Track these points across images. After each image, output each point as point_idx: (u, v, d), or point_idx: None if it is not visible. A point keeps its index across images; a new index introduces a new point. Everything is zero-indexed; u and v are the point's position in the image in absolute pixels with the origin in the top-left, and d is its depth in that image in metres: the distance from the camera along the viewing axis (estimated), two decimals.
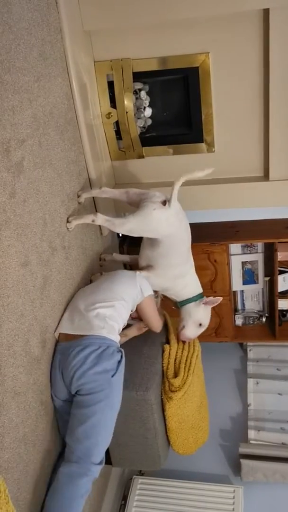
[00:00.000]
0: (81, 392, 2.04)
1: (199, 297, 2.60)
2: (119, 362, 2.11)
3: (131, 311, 2.39)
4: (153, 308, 2.47)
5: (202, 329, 2.61)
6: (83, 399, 2.02)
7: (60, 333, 2.21)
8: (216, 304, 2.56)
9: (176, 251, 2.46)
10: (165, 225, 2.34)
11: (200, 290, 2.63)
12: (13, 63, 1.96)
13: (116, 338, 2.19)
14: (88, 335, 2.12)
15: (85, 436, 1.97)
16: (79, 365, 2.05)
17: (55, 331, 2.22)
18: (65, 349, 2.13)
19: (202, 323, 2.59)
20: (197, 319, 2.57)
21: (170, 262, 2.50)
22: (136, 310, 2.43)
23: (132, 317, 2.55)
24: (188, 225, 2.51)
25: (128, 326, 2.50)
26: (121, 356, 2.14)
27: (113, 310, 2.22)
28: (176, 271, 2.54)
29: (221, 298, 2.57)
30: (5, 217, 1.87)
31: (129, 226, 2.36)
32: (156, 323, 2.53)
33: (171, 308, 2.71)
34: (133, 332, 2.54)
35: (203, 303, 2.57)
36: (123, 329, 2.36)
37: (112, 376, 2.06)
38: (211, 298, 2.56)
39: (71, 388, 2.08)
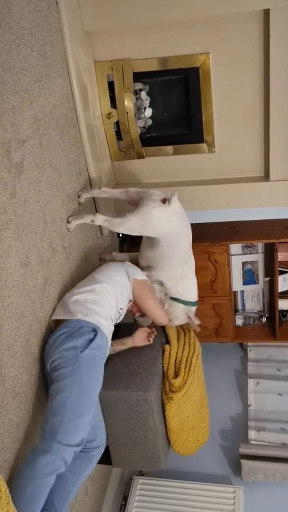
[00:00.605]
0: (52, 369, 2.02)
1: (191, 304, 2.63)
2: (91, 340, 2.05)
3: (130, 300, 2.37)
4: (148, 295, 2.42)
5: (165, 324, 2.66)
6: (53, 376, 2.00)
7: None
8: (193, 327, 2.66)
9: (176, 251, 2.46)
10: (165, 223, 2.34)
11: (196, 299, 2.65)
12: (14, 64, 1.96)
13: (96, 319, 2.13)
14: (65, 319, 2.13)
15: (51, 413, 1.91)
16: (50, 345, 2.06)
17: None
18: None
19: (174, 323, 2.63)
20: (174, 318, 2.61)
21: (170, 262, 2.50)
22: (134, 302, 2.41)
23: (133, 313, 2.52)
24: (189, 225, 2.50)
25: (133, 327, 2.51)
26: (95, 336, 2.07)
27: (93, 293, 2.21)
28: (177, 272, 2.54)
29: (199, 328, 2.66)
30: (5, 217, 1.87)
31: (128, 225, 2.36)
32: (157, 312, 2.48)
33: None
34: (130, 342, 2.51)
35: (188, 316, 2.61)
36: (121, 337, 2.39)
37: (81, 352, 2.00)
38: (196, 318, 2.62)
39: (47, 370, 2.07)
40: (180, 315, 2.60)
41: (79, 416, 1.92)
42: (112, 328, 2.26)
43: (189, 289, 2.62)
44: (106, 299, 2.22)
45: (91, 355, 2.02)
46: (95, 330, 2.09)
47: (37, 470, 1.79)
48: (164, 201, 2.34)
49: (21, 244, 1.99)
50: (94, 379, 2.04)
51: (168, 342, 2.64)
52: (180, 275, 2.57)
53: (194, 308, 2.65)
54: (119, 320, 2.36)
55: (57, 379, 1.96)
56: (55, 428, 1.87)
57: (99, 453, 2.21)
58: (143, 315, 2.54)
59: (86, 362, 2.00)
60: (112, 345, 2.35)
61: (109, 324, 2.20)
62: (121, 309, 2.31)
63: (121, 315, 2.34)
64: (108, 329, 2.19)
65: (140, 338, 2.51)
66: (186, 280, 2.60)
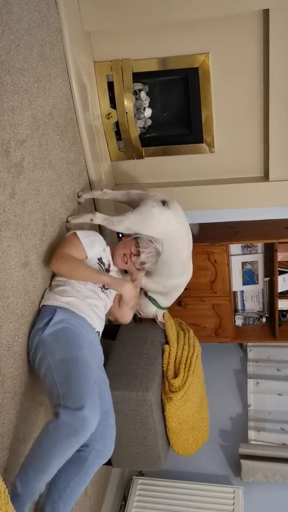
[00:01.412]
0: (32, 362, 2.02)
1: (162, 309, 2.70)
2: (50, 319, 2.02)
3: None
4: (65, 244, 2.22)
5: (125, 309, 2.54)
6: (35, 367, 2.01)
7: None
8: (160, 326, 2.73)
9: (176, 257, 2.45)
10: (164, 224, 2.34)
11: (168, 306, 2.74)
12: (13, 64, 1.96)
13: (56, 299, 2.10)
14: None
15: (50, 394, 1.91)
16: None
17: None
18: None
19: (136, 310, 2.66)
20: (142, 310, 2.71)
21: (170, 271, 2.50)
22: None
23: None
24: (190, 231, 2.51)
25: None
26: (54, 314, 2.05)
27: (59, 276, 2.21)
28: (174, 282, 2.55)
29: (163, 328, 2.70)
30: (5, 217, 1.87)
31: (127, 223, 2.36)
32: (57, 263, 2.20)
33: (173, 309, 2.72)
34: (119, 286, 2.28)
35: (158, 320, 2.69)
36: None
37: (42, 333, 1.99)
38: (163, 322, 2.70)
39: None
40: (149, 314, 2.70)
41: (72, 379, 1.88)
42: (94, 287, 2.21)
43: (170, 299, 2.66)
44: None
45: (52, 331, 2.00)
46: (55, 310, 2.07)
47: (46, 435, 1.79)
48: (164, 203, 2.35)
49: (21, 244, 1.99)
50: (67, 346, 1.98)
51: (167, 342, 2.65)
52: (175, 285, 2.59)
53: (162, 311, 2.74)
54: (111, 271, 2.36)
55: (38, 368, 1.96)
56: (57, 400, 1.84)
57: (93, 460, 2.03)
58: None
59: (50, 338, 1.98)
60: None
61: (80, 292, 2.15)
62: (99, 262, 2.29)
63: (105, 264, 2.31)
64: (79, 299, 2.13)
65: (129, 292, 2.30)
66: (177, 292, 2.63)
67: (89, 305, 2.16)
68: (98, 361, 2.18)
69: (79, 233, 2.27)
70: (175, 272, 2.52)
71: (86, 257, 2.26)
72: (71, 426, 1.75)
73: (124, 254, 2.34)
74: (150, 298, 2.66)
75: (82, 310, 2.12)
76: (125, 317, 2.48)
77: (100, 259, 2.31)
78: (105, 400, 2.10)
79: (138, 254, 2.30)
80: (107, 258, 2.36)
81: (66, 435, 1.76)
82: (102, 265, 2.30)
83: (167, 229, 2.36)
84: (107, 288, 2.28)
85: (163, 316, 2.73)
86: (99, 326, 2.22)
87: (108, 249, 2.39)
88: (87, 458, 1.99)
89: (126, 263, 2.35)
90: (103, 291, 2.27)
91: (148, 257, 2.31)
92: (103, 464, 2.64)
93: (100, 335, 2.26)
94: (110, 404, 2.15)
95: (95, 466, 2.03)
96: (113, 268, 2.39)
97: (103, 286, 2.26)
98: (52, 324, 2.02)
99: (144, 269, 2.40)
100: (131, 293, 2.27)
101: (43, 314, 2.09)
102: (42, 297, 2.16)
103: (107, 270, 2.33)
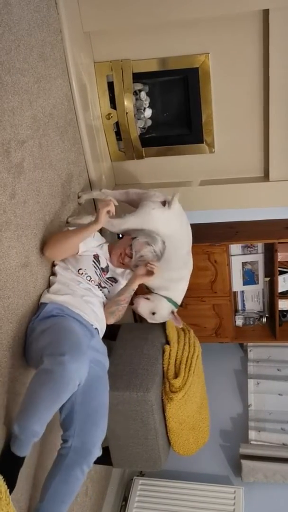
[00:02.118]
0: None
1: (175, 305, 2.59)
2: (38, 315, 2.04)
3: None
4: (56, 236, 2.22)
5: (146, 317, 2.50)
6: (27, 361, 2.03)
7: None
8: (176, 324, 2.56)
9: (176, 253, 2.46)
10: (165, 225, 2.34)
11: (179, 303, 2.60)
12: (13, 64, 1.96)
13: (45, 297, 2.10)
14: None
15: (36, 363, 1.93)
16: None
17: None
18: None
19: (155, 318, 2.49)
20: (159, 313, 2.48)
21: (168, 265, 2.50)
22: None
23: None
24: (190, 229, 2.50)
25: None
26: (45, 306, 2.07)
27: (54, 276, 2.22)
28: (174, 275, 2.53)
29: (180, 325, 2.55)
30: (5, 218, 1.87)
31: (127, 225, 2.36)
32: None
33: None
34: (133, 280, 2.29)
35: (173, 313, 2.52)
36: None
37: (33, 323, 2.00)
38: (179, 317, 2.54)
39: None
40: (165, 312, 2.52)
41: (57, 336, 1.90)
42: (89, 285, 2.20)
43: (179, 292, 2.62)
44: (62, 271, 2.20)
45: (40, 322, 2.00)
46: (47, 304, 2.09)
47: (32, 380, 1.82)
48: (164, 203, 2.34)
49: (21, 245, 1.99)
50: (53, 327, 1.97)
51: (168, 342, 2.64)
52: (176, 278, 2.57)
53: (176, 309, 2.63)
54: (110, 270, 2.33)
55: (29, 356, 1.97)
56: (40, 355, 1.85)
57: (72, 458, 1.98)
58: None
59: (38, 327, 1.98)
60: (121, 298, 2.26)
61: (76, 291, 2.14)
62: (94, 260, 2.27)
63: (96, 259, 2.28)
64: (74, 296, 2.12)
65: (141, 271, 2.30)
66: (181, 284, 2.59)
67: (86, 302, 2.15)
68: (95, 357, 2.13)
69: (72, 227, 2.28)
70: (175, 266, 2.50)
71: (77, 252, 2.23)
72: (51, 370, 1.76)
73: (120, 253, 2.34)
74: (164, 297, 2.60)
75: (77, 307, 2.10)
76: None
77: (96, 257, 2.28)
78: (96, 396, 2.06)
79: (131, 257, 2.30)
80: (104, 256, 2.34)
81: (48, 379, 1.76)
82: (97, 263, 2.27)
83: (167, 229, 2.35)
84: (104, 287, 2.28)
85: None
86: (98, 323, 2.18)
87: (106, 246, 2.38)
88: (66, 455, 1.98)
89: (122, 263, 2.34)
90: (100, 289, 2.26)
91: (141, 260, 2.29)
92: (103, 465, 2.66)
93: (101, 333, 2.24)
94: (101, 402, 2.09)
95: (75, 466, 1.97)
96: (111, 267, 2.37)
97: (100, 284, 2.26)
98: (38, 319, 2.03)
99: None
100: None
101: (37, 310, 2.09)
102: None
103: (103, 270, 2.31)
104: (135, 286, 2.30)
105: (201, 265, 3.11)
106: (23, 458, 1.79)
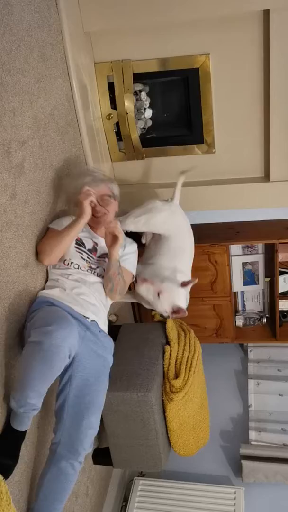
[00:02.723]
0: None
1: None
2: (29, 309, 2.04)
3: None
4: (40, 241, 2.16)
5: (148, 298, 2.43)
6: None
7: None
8: (193, 283, 2.43)
9: (178, 250, 2.50)
10: (168, 216, 2.40)
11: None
12: (14, 65, 1.96)
13: (43, 293, 2.10)
14: None
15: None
16: None
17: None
18: None
19: (161, 300, 2.40)
20: (165, 293, 2.41)
21: (171, 263, 2.51)
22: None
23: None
24: (192, 234, 2.55)
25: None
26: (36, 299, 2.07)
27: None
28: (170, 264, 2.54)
29: (196, 279, 2.46)
30: (6, 218, 1.87)
31: (131, 219, 2.40)
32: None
33: None
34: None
35: (183, 283, 2.40)
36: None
37: (27, 324, 1.99)
38: (191, 279, 2.45)
39: None
40: (173, 293, 2.42)
41: (39, 317, 1.93)
42: (80, 274, 2.16)
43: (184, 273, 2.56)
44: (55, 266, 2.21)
45: (30, 314, 2.01)
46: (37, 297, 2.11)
47: (24, 350, 1.84)
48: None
49: (22, 245, 1.99)
50: (43, 310, 1.99)
51: (168, 343, 2.64)
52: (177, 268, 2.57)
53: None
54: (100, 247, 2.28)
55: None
56: (28, 334, 1.87)
57: (62, 454, 1.96)
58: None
59: (28, 320, 1.98)
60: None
61: (65, 285, 2.12)
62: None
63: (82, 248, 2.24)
64: (63, 289, 2.11)
65: (108, 240, 2.21)
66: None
67: (76, 294, 2.11)
68: (94, 349, 2.10)
69: (51, 224, 2.25)
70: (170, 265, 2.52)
71: None
72: (39, 341, 1.77)
73: (93, 215, 2.24)
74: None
75: (67, 300, 2.07)
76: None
77: (79, 241, 2.22)
78: (90, 392, 2.01)
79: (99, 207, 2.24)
80: (88, 237, 2.28)
81: (37, 350, 1.76)
82: (81, 247, 2.22)
83: (170, 221, 2.49)
84: (97, 267, 2.22)
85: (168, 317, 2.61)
86: (94, 314, 2.13)
87: (87, 227, 2.30)
88: (55, 451, 1.98)
89: (99, 221, 2.26)
90: (93, 272, 2.20)
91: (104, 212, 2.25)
92: (104, 465, 2.66)
93: (101, 325, 2.17)
94: (95, 399, 2.03)
95: (64, 462, 1.95)
96: (101, 245, 2.28)
97: (90, 267, 2.20)
98: (33, 306, 2.03)
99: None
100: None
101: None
102: None
103: (91, 251, 2.24)
104: (115, 256, 2.17)
105: (201, 266, 3.11)
106: (23, 433, 1.83)
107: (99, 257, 2.27)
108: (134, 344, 2.61)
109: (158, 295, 2.42)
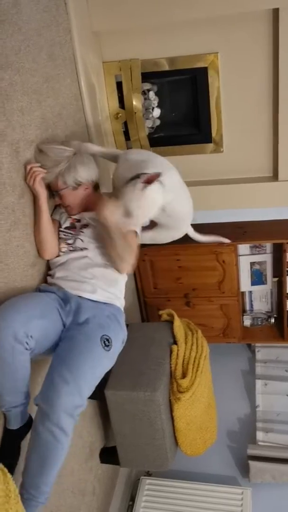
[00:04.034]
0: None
1: None
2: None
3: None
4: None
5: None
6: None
7: None
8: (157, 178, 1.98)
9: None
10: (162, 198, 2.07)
11: None
12: (22, 64, 1.96)
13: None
14: None
15: None
16: None
17: None
18: None
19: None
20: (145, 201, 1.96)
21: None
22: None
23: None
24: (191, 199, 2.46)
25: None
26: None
27: None
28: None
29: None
30: (14, 217, 1.87)
31: (134, 223, 2.33)
32: None
33: (181, 309, 2.69)
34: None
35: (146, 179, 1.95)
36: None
37: None
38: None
39: None
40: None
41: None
42: (59, 257, 2.13)
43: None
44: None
45: None
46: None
47: None
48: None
49: (30, 244, 1.99)
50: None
51: (175, 342, 2.64)
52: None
53: None
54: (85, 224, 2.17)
55: None
56: None
57: (37, 418, 1.76)
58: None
59: None
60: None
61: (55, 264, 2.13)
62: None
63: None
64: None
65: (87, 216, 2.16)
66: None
67: (60, 278, 2.07)
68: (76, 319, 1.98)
69: None
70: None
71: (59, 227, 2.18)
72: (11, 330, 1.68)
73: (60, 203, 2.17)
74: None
75: (51, 284, 2.06)
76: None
77: (65, 228, 2.18)
78: (69, 349, 1.86)
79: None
80: (64, 217, 2.21)
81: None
82: (63, 231, 2.17)
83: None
84: (75, 241, 2.13)
85: None
86: (81, 291, 2.04)
87: (64, 213, 2.22)
88: (34, 419, 1.82)
89: (61, 200, 2.15)
90: (73, 250, 2.12)
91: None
92: (111, 464, 2.66)
93: (93, 295, 2.06)
94: (74, 358, 1.83)
95: (41, 427, 1.71)
96: (83, 220, 2.17)
97: (71, 244, 2.14)
98: None
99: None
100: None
101: None
102: None
103: (69, 228, 2.18)
104: (106, 223, 1.98)
105: (209, 265, 3.10)
106: (15, 430, 1.85)
107: (79, 231, 2.16)
108: (141, 344, 2.61)
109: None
